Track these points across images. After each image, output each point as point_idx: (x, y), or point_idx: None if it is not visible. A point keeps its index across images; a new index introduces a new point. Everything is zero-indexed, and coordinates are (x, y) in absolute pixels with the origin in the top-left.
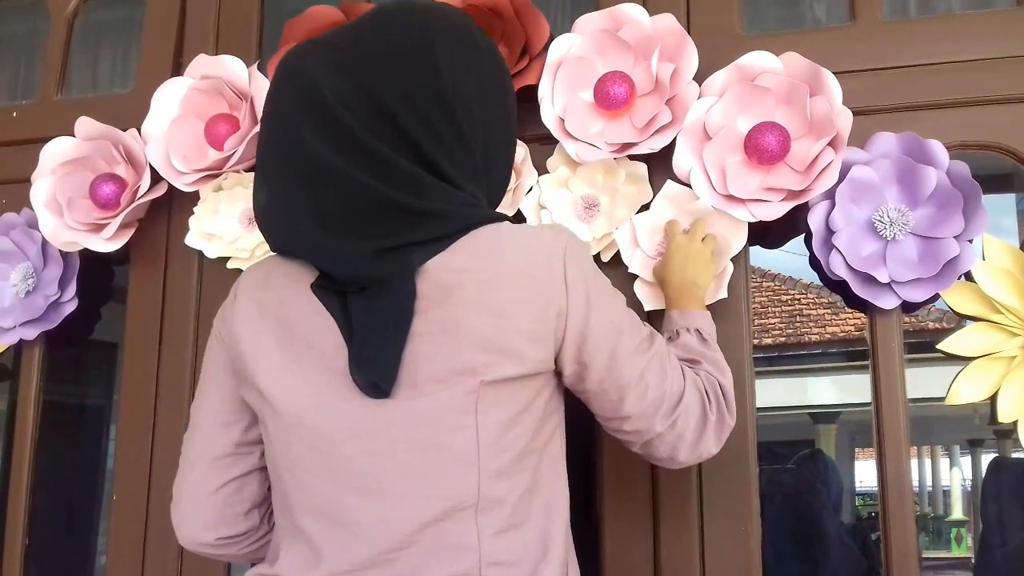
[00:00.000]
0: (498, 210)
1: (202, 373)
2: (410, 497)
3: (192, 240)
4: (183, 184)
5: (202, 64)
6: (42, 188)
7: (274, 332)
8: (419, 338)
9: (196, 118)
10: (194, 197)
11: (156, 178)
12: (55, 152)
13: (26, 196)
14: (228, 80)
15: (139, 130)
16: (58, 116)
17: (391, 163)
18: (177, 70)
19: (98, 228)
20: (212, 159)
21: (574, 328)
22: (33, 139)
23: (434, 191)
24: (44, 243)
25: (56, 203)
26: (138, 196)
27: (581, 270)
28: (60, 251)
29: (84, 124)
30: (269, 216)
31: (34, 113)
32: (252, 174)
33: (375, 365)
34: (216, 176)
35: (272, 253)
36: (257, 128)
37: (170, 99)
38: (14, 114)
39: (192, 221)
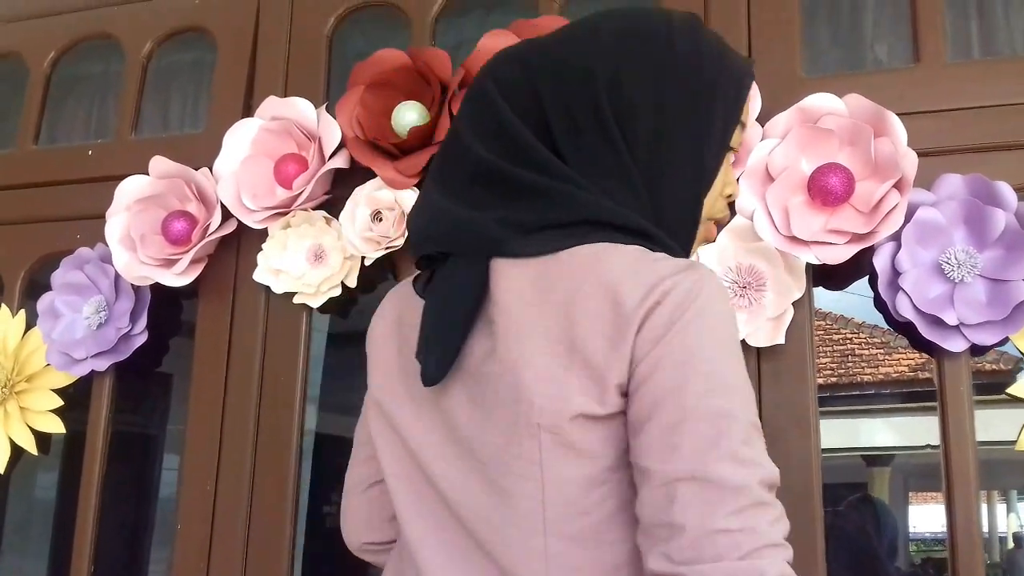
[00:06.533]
0: None
1: None
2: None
3: (260, 275)
4: (252, 221)
5: (272, 106)
6: (116, 224)
7: (397, 344)
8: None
9: (266, 158)
10: (262, 234)
11: (226, 215)
12: (129, 190)
13: (100, 232)
14: (297, 121)
15: (211, 169)
16: (132, 155)
17: (517, 136)
18: (248, 111)
19: (169, 263)
20: (281, 197)
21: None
22: (108, 177)
23: (558, 180)
24: (116, 277)
25: (130, 239)
26: (209, 233)
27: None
28: (132, 285)
29: (158, 163)
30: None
31: (109, 152)
32: (319, 212)
33: (437, 346)
34: (284, 214)
35: None
36: (325, 168)
37: (241, 139)
38: (89, 152)
39: (260, 257)
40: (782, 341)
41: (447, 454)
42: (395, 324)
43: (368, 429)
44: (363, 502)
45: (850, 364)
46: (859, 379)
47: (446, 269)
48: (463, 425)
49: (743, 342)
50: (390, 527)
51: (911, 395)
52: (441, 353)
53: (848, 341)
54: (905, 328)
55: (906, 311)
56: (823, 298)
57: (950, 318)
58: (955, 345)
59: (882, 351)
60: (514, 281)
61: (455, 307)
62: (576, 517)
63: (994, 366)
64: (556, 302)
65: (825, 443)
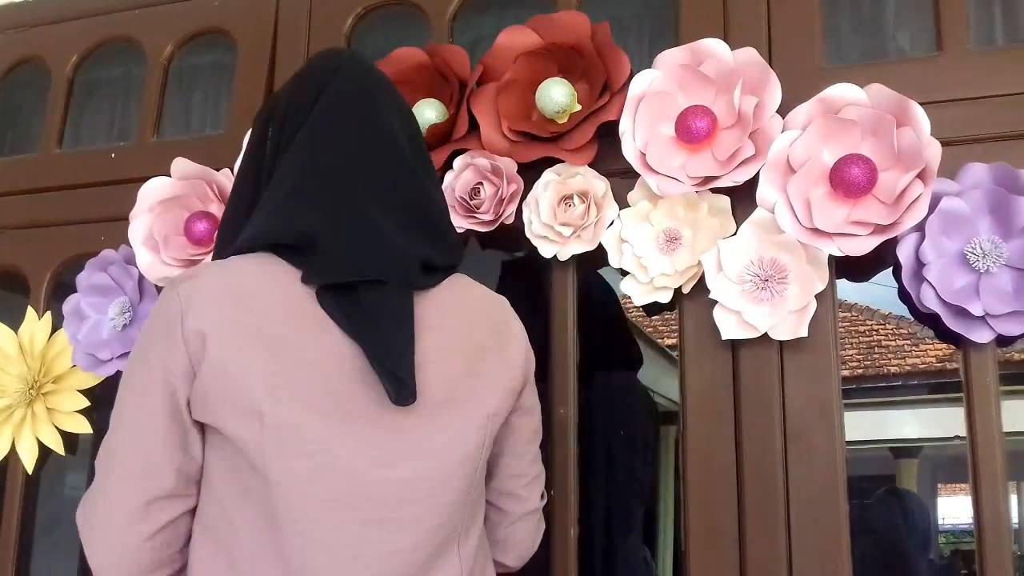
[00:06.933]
0: (579, 243)
1: (127, 405)
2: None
3: None
4: None
5: None
6: (140, 226)
7: (268, 353)
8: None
9: None
10: None
11: None
12: (152, 191)
13: (124, 233)
14: None
15: (232, 169)
16: (154, 157)
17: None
18: None
19: (192, 264)
20: None
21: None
22: (130, 179)
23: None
24: (140, 278)
25: (153, 240)
26: None
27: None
28: (156, 286)
29: (180, 164)
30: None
31: (131, 154)
32: None
33: (404, 365)
34: None
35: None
36: None
37: None
38: (112, 155)
39: None
40: (805, 334)
41: (371, 455)
42: (249, 332)
43: (179, 432)
44: (152, 546)
45: (876, 355)
46: (886, 370)
47: (381, 292)
48: (399, 424)
49: (766, 335)
50: (181, 556)
51: (939, 386)
52: (409, 372)
53: (874, 332)
54: (930, 319)
55: (931, 302)
56: (848, 289)
57: (976, 309)
58: (981, 336)
59: (909, 342)
60: (426, 306)
61: (402, 328)
62: (474, 489)
63: (1021, 356)
64: (472, 322)
65: (852, 435)
